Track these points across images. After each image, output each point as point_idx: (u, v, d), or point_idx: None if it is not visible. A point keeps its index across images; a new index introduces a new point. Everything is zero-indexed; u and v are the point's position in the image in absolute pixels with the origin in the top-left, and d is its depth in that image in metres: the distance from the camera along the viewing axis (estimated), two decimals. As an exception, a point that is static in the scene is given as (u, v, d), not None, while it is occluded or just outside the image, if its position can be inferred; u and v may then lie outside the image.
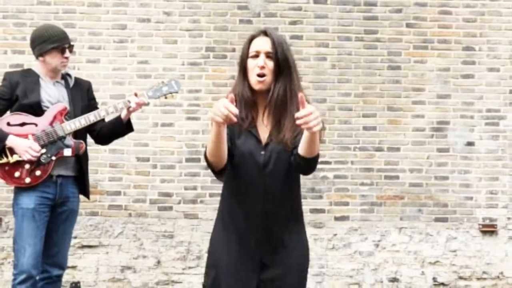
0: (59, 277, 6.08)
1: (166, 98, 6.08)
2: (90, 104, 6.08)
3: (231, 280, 3.95)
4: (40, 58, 5.96)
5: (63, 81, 6.03)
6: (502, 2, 8.07)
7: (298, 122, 3.46)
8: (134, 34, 7.92)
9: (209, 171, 3.90)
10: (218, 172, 3.84)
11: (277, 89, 3.85)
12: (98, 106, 6.17)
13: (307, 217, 7.80)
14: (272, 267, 3.95)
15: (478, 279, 7.91)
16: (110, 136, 6.10)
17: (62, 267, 6.09)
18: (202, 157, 7.38)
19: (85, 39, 7.85)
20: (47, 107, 5.83)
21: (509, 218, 7.95)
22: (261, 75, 3.83)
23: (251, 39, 3.91)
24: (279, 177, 3.88)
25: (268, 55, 3.85)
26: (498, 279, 7.91)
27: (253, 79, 3.85)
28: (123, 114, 5.92)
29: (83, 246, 7.75)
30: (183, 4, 7.92)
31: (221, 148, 3.69)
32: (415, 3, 8.03)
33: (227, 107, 3.46)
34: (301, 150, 3.68)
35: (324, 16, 8.00)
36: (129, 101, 5.82)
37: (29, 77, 5.93)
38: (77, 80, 6.15)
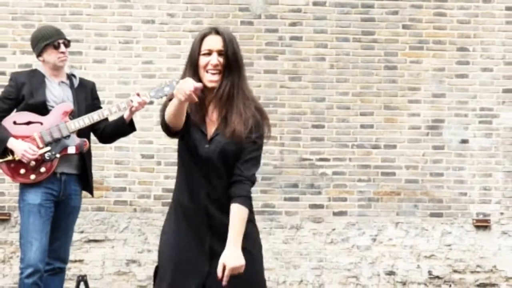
0: (62, 269, 6.12)
1: (166, 96, 5.98)
2: (93, 104, 6.09)
3: (182, 269, 3.89)
4: (40, 58, 6.03)
5: (68, 81, 6.05)
6: (495, 4, 8.06)
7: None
8: (139, 35, 7.92)
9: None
10: (173, 133, 3.87)
11: (224, 85, 3.82)
12: (104, 105, 6.27)
13: (306, 212, 7.83)
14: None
15: (472, 272, 7.89)
16: (113, 135, 6.10)
17: (64, 260, 6.13)
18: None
19: (91, 40, 7.85)
20: (52, 107, 5.86)
21: (502, 213, 7.94)
22: (214, 72, 3.80)
23: (203, 37, 3.85)
24: (222, 169, 3.87)
25: (220, 53, 3.81)
26: (492, 273, 7.90)
27: (206, 77, 3.82)
28: (126, 114, 5.91)
29: (90, 241, 7.74)
30: (187, 6, 7.90)
31: (180, 118, 3.74)
32: (411, 5, 8.01)
33: (196, 87, 3.55)
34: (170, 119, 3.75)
35: (323, 18, 7.99)
36: (131, 101, 5.81)
37: (35, 77, 5.95)
38: (82, 81, 6.17)
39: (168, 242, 3.96)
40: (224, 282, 3.64)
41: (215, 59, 3.78)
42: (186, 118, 3.80)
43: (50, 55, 5.92)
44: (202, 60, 3.80)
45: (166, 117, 3.75)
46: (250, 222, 3.92)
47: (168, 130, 3.82)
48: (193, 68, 3.83)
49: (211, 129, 3.89)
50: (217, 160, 3.84)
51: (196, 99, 3.55)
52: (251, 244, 3.92)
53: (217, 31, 3.85)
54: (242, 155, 3.86)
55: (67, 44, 5.99)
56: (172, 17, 7.90)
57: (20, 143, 5.69)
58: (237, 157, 3.87)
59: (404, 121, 7.98)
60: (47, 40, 5.92)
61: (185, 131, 3.86)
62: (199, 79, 3.79)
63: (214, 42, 3.82)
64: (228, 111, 3.86)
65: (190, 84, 3.52)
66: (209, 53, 3.80)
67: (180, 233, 3.92)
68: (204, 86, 3.79)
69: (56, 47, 5.90)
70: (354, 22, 7.99)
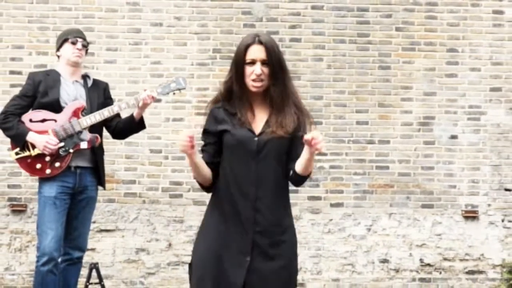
0: (80, 258, 6.11)
1: (174, 94, 6.12)
2: (106, 103, 6.05)
3: (223, 263, 3.80)
4: (58, 53, 6.06)
5: (82, 81, 6.06)
6: (483, 8, 8.00)
7: (311, 143, 3.53)
8: (148, 37, 7.86)
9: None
10: (206, 188, 3.93)
11: (274, 93, 3.82)
12: (119, 102, 6.16)
13: (305, 203, 7.77)
14: (265, 254, 3.80)
15: (461, 260, 7.86)
16: (125, 132, 6.12)
17: (83, 249, 6.12)
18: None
19: (103, 41, 7.79)
20: (66, 104, 5.88)
21: (489, 205, 7.91)
22: (257, 81, 3.80)
23: (247, 47, 3.83)
24: (271, 163, 3.82)
25: (263, 62, 3.79)
26: (479, 260, 7.87)
27: (251, 84, 3.83)
28: (135, 112, 5.93)
29: (101, 230, 7.69)
30: (192, 9, 7.84)
31: (200, 172, 3.81)
32: (404, 8, 7.94)
33: (183, 142, 3.63)
34: (299, 168, 3.75)
35: (321, 21, 7.93)
36: (139, 97, 5.85)
37: (51, 76, 5.95)
38: (95, 81, 6.17)
39: (210, 236, 3.89)
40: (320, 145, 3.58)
41: (258, 69, 3.78)
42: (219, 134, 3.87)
43: (67, 50, 5.93)
44: (247, 70, 3.81)
45: (194, 177, 3.88)
46: (291, 228, 3.95)
47: (202, 185, 3.93)
48: (239, 76, 3.83)
49: (258, 128, 3.86)
50: (266, 152, 3.81)
51: (193, 149, 3.64)
52: (292, 252, 3.92)
53: (260, 41, 3.82)
54: (293, 152, 3.84)
55: (85, 44, 6.01)
56: (178, 20, 7.84)
57: (40, 136, 5.71)
58: (285, 152, 3.86)
59: (397, 118, 7.93)
60: (67, 35, 5.96)
61: (227, 135, 3.87)
62: (244, 85, 3.83)
63: (257, 52, 3.80)
64: (272, 113, 3.86)
65: (183, 137, 3.59)
66: (253, 62, 3.80)
67: (225, 227, 3.85)
68: (252, 93, 3.85)
69: (74, 43, 5.91)
70: (350, 24, 7.93)
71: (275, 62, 3.79)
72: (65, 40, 5.94)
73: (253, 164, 3.80)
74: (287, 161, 3.85)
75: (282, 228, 3.85)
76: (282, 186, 3.88)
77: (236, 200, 3.79)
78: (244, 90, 3.84)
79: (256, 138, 3.80)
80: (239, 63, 3.83)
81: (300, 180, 3.82)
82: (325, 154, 7.78)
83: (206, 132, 3.94)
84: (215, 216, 3.89)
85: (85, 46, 6.00)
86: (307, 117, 3.93)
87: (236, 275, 3.75)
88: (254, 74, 3.78)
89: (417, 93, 7.93)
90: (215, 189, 3.92)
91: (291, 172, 3.82)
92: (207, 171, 3.81)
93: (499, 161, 7.93)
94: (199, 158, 3.77)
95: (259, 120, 3.87)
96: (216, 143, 3.90)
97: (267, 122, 3.84)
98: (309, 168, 3.73)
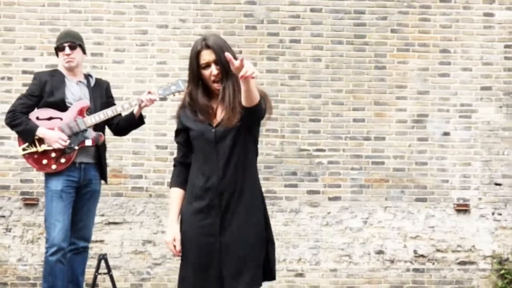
0: (85, 248, 6.17)
1: (174, 95, 6.15)
2: (108, 102, 6.14)
3: (196, 242, 3.97)
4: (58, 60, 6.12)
5: (85, 81, 6.10)
6: (474, 11, 7.98)
7: (239, 75, 3.55)
8: (154, 39, 7.84)
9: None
10: None
11: (227, 89, 3.91)
12: (122, 101, 6.25)
13: (304, 197, 7.73)
14: (231, 230, 3.94)
15: (453, 251, 7.83)
16: (125, 128, 6.16)
17: (87, 239, 6.19)
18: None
19: (111, 42, 7.79)
20: (71, 104, 5.92)
21: (480, 199, 7.86)
22: (217, 81, 3.92)
23: (197, 53, 3.92)
24: (228, 148, 3.93)
25: (216, 63, 3.89)
26: (471, 252, 7.84)
27: (213, 85, 3.95)
28: (135, 110, 5.99)
29: (110, 223, 7.69)
30: (197, 12, 7.82)
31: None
32: (399, 11, 7.93)
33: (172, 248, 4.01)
34: (244, 101, 3.76)
35: (319, 23, 7.90)
36: (141, 99, 5.89)
37: (56, 77, 5.98)
38: (98, 80, 6.21)
39: (187, 222, 4.03)
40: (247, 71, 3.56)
41: (215, 69, 3.90)
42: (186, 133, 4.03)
43: (60, 57, 5.99)
44: (205, 74, 3.93)
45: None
46: (258, 196, 4.07)
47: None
48: (195, 80, 3.96)
49: (216, 121, 3.98)
50: (225, 140, 3.92)
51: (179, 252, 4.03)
52: (259, 212, 4.06)
53: (207, 45, 3.91)
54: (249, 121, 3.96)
55: (73, 45, 5.95)
56: (183, 22, 7.80)
57: (52, 132, 5.75)
58: (244, 132, 3.96)
59: (392, 115, 7.90)
60: (56, 43, 6.01)
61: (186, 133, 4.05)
62: (203, 89, 3.96)
63: (207, 56, 3.90)
64: (229, 106, 3.92)
65: (169, 246, 4.08)
66: (208, 65, 3.91)
67: (196, 212, 3.98)
68: (211, 93, 3.97)
69: (61, 50, 5.93)
70: (347, 26, 7.91)
71: (224, 61, 3.80)
72: (56, 49, 6.01)
73: (215, 150, 3.93)
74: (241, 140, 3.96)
75: (243, 190, 3.99)
76: (245, 163, 4.00)
77: (205, 174, 3.94)
78: (202, 96, 3.95)
79: (213, 130, 3.92)
80: (194, 69, 3.94)
81: (250, 114, 3.82)
82: (323, 150, 7.74)
83: (176, 133, 4.10)
84: (189, 196, 4.06)
85: (74, 47, 5.94)
86: (265, 96, 3.97)
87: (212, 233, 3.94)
88: (212, 76, 3.89)
89: (411, 92, 7.91)
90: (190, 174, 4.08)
91: (240, 115, 3.86)
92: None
93: (490, 156, 7.88)
94: (177, 222, 4.03)
95: (217, 118, 3.97)
96: (186, 141, 4.04)
97: (224, 116, 3.92)
98: (253, 97, 3.73)
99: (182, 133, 4.05)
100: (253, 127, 4.04)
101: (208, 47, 3.88)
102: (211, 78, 3.90)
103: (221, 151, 3.92)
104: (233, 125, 3.89)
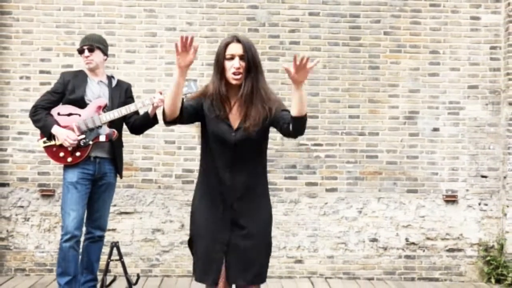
0: (101, 237, 6.27)
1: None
2: (126, 102, 6.14)
3: (208, 238, 4.01)
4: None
5: (107, 81, 6.14)
6: (462, 14, 7.94)
7: (295, 65, 3.66)
8: (163, 40, 7.79)
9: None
10: (169, 122, 3.92)
11: (246, 86, 3.91)
12: (136, 100, 6.21)
13: (303, 189, 7.70)
14: (242, 226, 3.96)
15: (442, 239, 7.79)
16: (141, 127, 6.16)
17: (103, 229, 6.27)
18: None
19: (123, 44, 7.76)
20: (90, 101, 6.00)
21: (467, 190, 7.84)
22: (237, 74, 3.90)
23: (226, 44, 3.93)
24: (246, 153, 3.95)
25: (241, 58, 3.91)
26: (458, 240, 7.82)
27: (231, 77, 3.92)
28: (150, 110, 5.99)
29: (121, 213, 7.68)
30: (203, 16, 7.76)
31: (178, 100, 3.75)
32: (391, 15, 7.86)
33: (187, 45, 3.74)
34: (293, 111, 3.72)
35: (317, 26, 7.84)
36: (154, 97, 5.88)
37: (79, 76, 6.08)
38: (119, 82, 6.27)
39: (199, 215, 4.07)
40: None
41: (237, 62, 3.89)
42: (198, 115, 3.95)
43: (82, 60, 6.08)
44: (227, 64, 3.92)
45: (166, 107, 3.81)
46: (266, 197, 4.13)
47: (165, 119, 3.91)
48: (219, 71, 3.95)
49: (235, 122, 3.97)
50: (243, 145, 3.92)
51: (192, 55, 3.67)
52: (265, 213, 4.12)
53: (238, 39, 3.94)
54: (279, 119, 3.90)
55: (91, 48, 6.01)
56: (190, 25, 7.75)
57: (61, 130, 5.81)
58: (262, 139, 4.00)
59: (385, 112, 7.86)
60: (78, 47, 6.08)
61: (205, 124, 3.99)
62: (225, 81, 3.93)
63: (236, 49, 3.91)
64: (248, 108, 3.92)
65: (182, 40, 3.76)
66: (232, 57, 3.91)
67: (208, 208, 4.02)
68: (229, 87, 3.94)
69: (81, 52, 6.01)
70: (343, 29, 7.85)
71: (250, 58, 3.89)
72: (77, 51, 6.08)
73: (231, 153, 3.93)
74: (278, 123, 3.91)
75: (256, 196, 4.04)
76: (258, 171, 4.03)
77: (219, 173, 3.94)
78: (223, 86, 3.93)
79: (233, 134, 3.91)
80: (219, 59, 3.93)
81: (298, 123, 3.74)
82: (320, 145, 7.69)
83: (192, 99, 4.05)
84: (202, 191, 4.06)
85: (92, 50, 6.00)
86: (277, 101, 4.01)
87: (223, 232, 3.96)
88: (233, 68, 3.88)
89: (403, 90, 7.87)
90: (201, 171, 4.09)
91: (286, 125, 3.83)
92: (179, 104, 3.79)
93: (476, 151, 7.84)
94: (183, 84, 3.79)
95: (235, 116, 3.96)
96: (194, 109, 3.95)
97: (241, 120, 3.92)
98: (302, 108, 3.70)
99: (194, 109, 3.96)
100: (268, 132, 4.06)
101: (238, 41, 3.91)
102: (231, 70, 3.89)
103: (238, 152, 3.94)
104: (252, 135, 3.91)
